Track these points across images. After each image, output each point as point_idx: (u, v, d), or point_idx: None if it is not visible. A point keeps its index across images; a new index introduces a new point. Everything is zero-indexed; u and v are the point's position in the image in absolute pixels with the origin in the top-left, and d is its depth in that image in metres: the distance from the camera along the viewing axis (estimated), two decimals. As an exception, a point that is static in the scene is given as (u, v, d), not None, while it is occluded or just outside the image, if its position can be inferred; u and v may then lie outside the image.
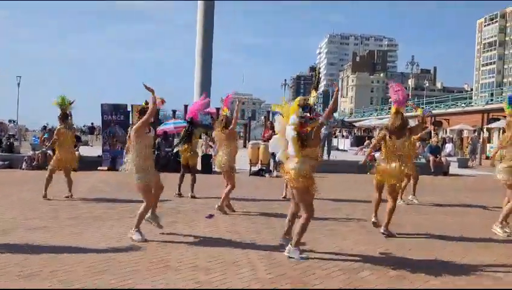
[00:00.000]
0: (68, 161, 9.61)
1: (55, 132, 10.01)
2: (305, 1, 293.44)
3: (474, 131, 37.40)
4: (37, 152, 15.81)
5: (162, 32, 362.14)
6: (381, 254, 5.87)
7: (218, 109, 26.43)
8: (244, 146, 27.52)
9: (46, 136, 17.04)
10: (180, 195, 10.12)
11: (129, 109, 16.38)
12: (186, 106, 38.57)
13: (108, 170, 15.56)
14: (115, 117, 16.20)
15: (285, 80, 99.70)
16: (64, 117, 9.62)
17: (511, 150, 7.23)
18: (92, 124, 37.51)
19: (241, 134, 43.35)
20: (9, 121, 36.59)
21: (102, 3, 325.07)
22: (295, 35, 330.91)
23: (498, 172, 7.31)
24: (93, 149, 20.10)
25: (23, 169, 15.30)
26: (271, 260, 5.44)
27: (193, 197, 10.03)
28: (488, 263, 5.65)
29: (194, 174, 10.28)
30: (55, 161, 9.60)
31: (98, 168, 15.57)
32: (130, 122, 16.38)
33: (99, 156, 16.20)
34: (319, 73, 6.68)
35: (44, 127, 36.91)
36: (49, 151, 15.72)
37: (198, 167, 12.53)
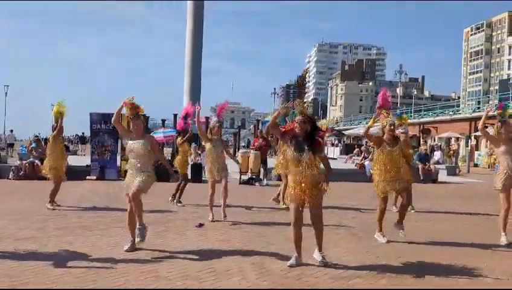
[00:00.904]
0: (53, 168, 9.47)
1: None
2: (296, 2, 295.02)
3: (458, 139, 37.74)
4: (24, 162, 15.65)
5: (150, 39, 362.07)
6: (372, 262, 5.86)
7: (207, 118, 26.40)
8: (234, 155, 27.49)
9: (33, 145, 16.85)
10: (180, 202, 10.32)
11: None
12: (175, 115, 38.54)
13: (97, 179, 15.45)
14: (104, 126, 16.11)
15: (275, 88, 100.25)
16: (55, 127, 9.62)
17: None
18: (83, 133, 37.36)
19: (231, 142, 43.41)
20: (10, 131, 37.43)
21: (92, 7, 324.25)
22: (285, 45, 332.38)
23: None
24: (81, 158, 19.99)
25: (10, 179, 15.13)
26: (262, 269, 5.41)
27: (178, 202, 10.23)
28: (479, 269, 5.66)
29: (184, 181, 10.46)
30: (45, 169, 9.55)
31: (87, 177, 15.45)
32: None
33: (87, 165, 16.08)
34: (304, 79, 6.56)
35: (36, 137, 37.20)
36: (37, 161, 15.61)
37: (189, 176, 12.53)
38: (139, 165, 6.14)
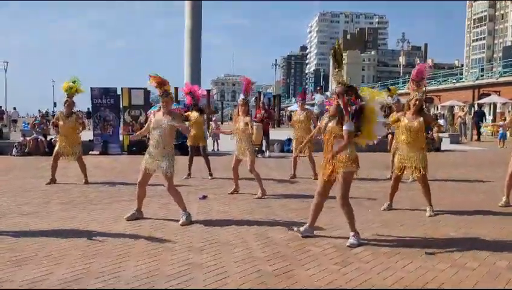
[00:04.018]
0: (65, 147, 9.44)
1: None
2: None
3: (463, 108, 37.53)
4: (28, 138, 15.67)
5: (150, 14, 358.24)
6: (375, 231, 5.89)
7: (208, 91, 26.27)
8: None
9: (37, 121, 16.87)
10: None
11: (119, 92, 16.24)
12: (176, 88, 38.29)
13: (100, 154, 15.48)
14: (105, 101, 16.07)
15: (276, 60, 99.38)
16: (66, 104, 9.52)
17: None
18: (88, 108, 37.85)
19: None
20: (14, 108, 40.24)
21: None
22: (285, 16, 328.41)
23: None
24: (83, 133, 19.93)
25: (13, 155, 15.18)
26: (265, 239, 5.45)
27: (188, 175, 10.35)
28: (482, 235, 5.71)
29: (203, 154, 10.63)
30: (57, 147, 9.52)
31: (90, 152, 15.47)
32: (121, 106, 16.30)
33: (90, 140, 16.09)
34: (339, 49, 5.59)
35: (47, 114, 39.49)
36: (41, 137, 15.65)
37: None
38: (162, 143, 6.11)
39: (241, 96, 8.44)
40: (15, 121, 34.80)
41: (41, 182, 9.41)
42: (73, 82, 9.46)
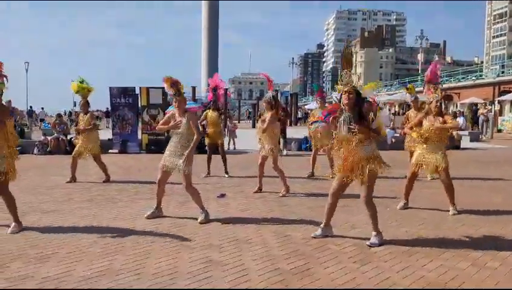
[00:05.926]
0: (82, 146, 9.55)
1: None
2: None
3: (485, 104, 36.95)
4: (49, 137, 15.91)
5: (168, 13, 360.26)
6: (394, 229, 5.86)
7: (226, 90, 26.31)
8: (253, 126, 27.53)
9: (57, 121, 17.11)
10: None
11: (137, 91, 16.38)
12: (194, 88, 38.43)
13: (119, 153, 15.64)
14: (124, 100, 16.21)
15: (293, 58, 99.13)
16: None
17: None
18: (107, 108, 38.73)
19: (250, 114, 43.56)
20: (41, 108, 44.41)
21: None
22: (302, 14, 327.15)
23: None
24: (102, 132, 20.15)
25: (35, 154, 15.42)
26: (284, 237, 5.46)
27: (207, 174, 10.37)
28: (503, 235, 5.64)
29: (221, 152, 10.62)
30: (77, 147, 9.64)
31: (109, 151, 15.63)
32: (139, 105, 16.44)
33: (109, 139, 16.27)
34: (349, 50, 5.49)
35: (70, 114, 42.51)
36: (62, 136, 15.87)
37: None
38: (180, 142, 6.17)
39: (266, 94, 8.55)
40: (42, 120, 38.31)
41: (62, 180, 9.54)
42: (81, 82, 9.54)
